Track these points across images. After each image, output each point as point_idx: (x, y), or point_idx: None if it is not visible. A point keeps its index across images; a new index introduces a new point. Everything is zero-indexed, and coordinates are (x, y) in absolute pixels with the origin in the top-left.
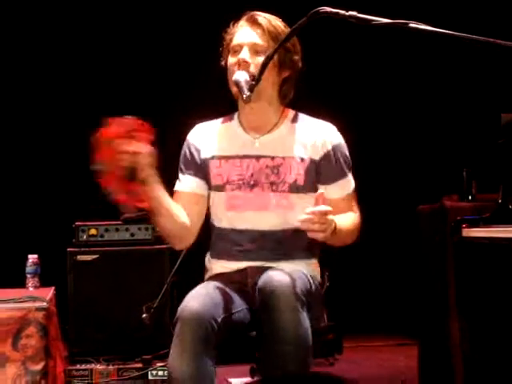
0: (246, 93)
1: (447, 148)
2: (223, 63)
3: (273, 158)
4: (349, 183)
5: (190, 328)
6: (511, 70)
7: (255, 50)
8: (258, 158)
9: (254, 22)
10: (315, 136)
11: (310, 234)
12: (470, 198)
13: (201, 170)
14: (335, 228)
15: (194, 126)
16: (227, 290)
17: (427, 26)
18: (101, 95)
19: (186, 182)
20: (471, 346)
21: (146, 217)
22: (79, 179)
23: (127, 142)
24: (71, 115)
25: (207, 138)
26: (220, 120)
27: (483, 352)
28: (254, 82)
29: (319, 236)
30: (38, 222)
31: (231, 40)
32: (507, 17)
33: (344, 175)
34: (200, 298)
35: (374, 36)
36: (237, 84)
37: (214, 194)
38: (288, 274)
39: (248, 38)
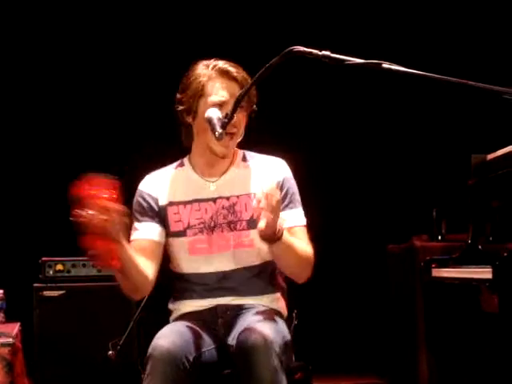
0: (219, 130)
1: (417, 188)
2: (185, 107)
3: (228, 198)
4: (298, 216)
5: (161, 367)
6: (482, 111)
7: (240, 106)
8: (214, 200)
9: (233, 79)
10: (266, 171)
11: (260, 216)
12: (439, 238)
13: (158, 217)
14: (281, 234)
15: (139, 176)
16: (197, 328)
17: (400, 66)
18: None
19: (145, 230)
20: None
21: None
22: (46, 214)
23: (99, 201)
24: (35, 154)
25: (161, 185)
26: (170, 167)
27: None
28: (226, 120)
29: (267, 218)
30: (4, 257)
31: (204, 90)
32: (480, 58)
33: (293, 207)
34: (171, 337)
35: (344, 74)
36: (209, 121)
37: (173, 241)
38: (267, 331)
39: (231, 95)
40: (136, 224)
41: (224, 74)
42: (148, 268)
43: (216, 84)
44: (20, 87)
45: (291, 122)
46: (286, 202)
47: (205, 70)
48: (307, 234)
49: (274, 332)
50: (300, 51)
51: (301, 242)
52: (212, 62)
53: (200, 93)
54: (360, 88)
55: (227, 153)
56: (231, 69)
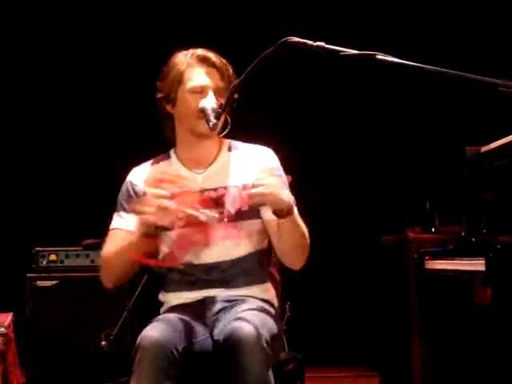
0: (213, 120)
1: (411, 180)
2: (164, 95)
3: (215, 189)
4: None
5: (149, 357)
6: (477, 103)
7: (220, 94)
8: (202, 192)
9: (211, 64)
10: (252, 161)
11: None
12: (433, 230)
13: None
14: (292, 209)
15: (123, 170)
16: (187, 319)
17: (394, 57)
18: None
19: (129, 221)
20: (432, 377)
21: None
22: (40, 205)
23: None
24: (29, 145)
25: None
26: (154, 160)
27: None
28: (220, 110)
29: (267, 195)
30: None
31: (183, 77)
32: (475, 50)
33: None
34: (160, 327)
35: (339, 66)
36: (203, 112)
37: (161, 233)
38: (255, 324)
39: (211, 82)
40: (121, 212)
41: (203, 60)
42: None
43: (195, 70)
44: (11, 82)
45: (285, 113)
46: None
47: (183, 58)
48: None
49: (261, 326)
50: (294, 42)
51: (303, 225)
52: (190, 51)
53: (179, 79)
54: (354, 80)
55: (209, 132)
56: (210, 55)
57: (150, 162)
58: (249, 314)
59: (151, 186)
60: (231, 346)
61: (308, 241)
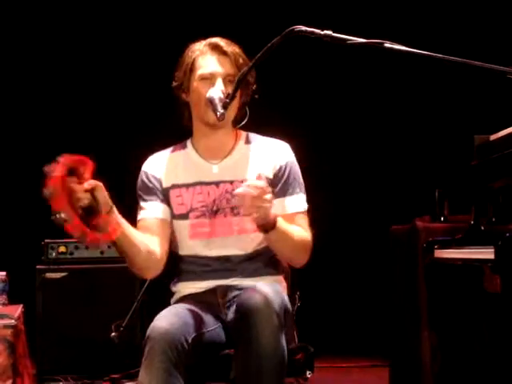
0: (220, 110)
1: (420, 169)
2: (178, 84)
3: (232, 182)
4: (300, 202)
5: (159, 348)
6: (485, 91)
7: (228, 80)
8: (217, 183)
9: (222, 52)
10: (269, 154)
11: (243, 212)
12: (442, 219)
13: (163, 197)
14: (275, 222)
15: (141, 156)
16: (197, 309)
17: (402, 46)
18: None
19: (151, 209)
20: (442, 367)
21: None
22: None
23: (77, 181)
24: (37, 136)
25: (164, 167)
26: (172, 148)
27: (454, 373)
28: (227, 100)
29: (253, 214)
30: (6, 239)
31: (194, 64)
32: (483, 37)
33: (294, 192)
34: (169, 318)
35: (346, 55)
36: (211, 101)
37: (176, 223)
38: (267, 291)
39: (221, 69)
40: (142, 203)
41: (215, 48)
42: (156, 245)
43: (206, 58)
44: (17, 75)
45: (293, 104)
46: (286, 188)
47: (197, 47)
48: (307, 219)
49: (274, 293)
50: (302, 31)
51: (298, 229)
52: (207, 40)
53: (191, 67)
54: (362, 69)
55: (217, 121)
56: (222, 43)
57: (168, 150)
58: (261, 285)
59: None
60: (243, 313)
61: (306, 245)
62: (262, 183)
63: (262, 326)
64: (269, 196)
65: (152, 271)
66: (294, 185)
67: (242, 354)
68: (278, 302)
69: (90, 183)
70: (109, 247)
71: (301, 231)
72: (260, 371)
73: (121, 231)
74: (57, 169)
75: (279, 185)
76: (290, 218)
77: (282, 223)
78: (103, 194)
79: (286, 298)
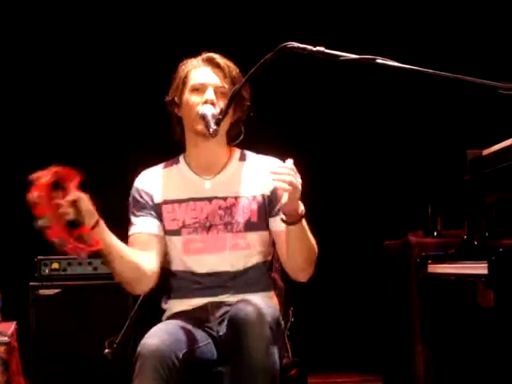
0: (213, 126)
1: (413, 184)
2: (171, 99)
3: (225, 198)
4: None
5: (150, 365)
6: (477, 106)
7: (220, 92)
8: (210, 199)
9: (216, 65)
10: (264, 172)
11: (279, 187)
12: (435, 233)
13: (155, 213)
14: (302, 215)
15: (135, 171)
16: (188, 326)
17: (395, 61)
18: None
19: (142, 224)
20: (435, 381)
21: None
22: None
23: (61, 192)
24: (31, 152)
25: (156, 183)
26: (164, 164)
27: None
28: (220, 117)
29: (287, 189)
30: None
31: (187, 77)
32: (474, 52)
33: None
34: (160, 335)
35: (339, 71)
36: (203, 117)
37: (168, 239)
38: (259, 303)
39: (212, 80)
40: (133, 219)
41: (208, 61)
42: (147, 260)
43: (198, 70)
44: (17, 82)
45: (285, 120)
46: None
47: (191, 60)
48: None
49: (266, 305)
50: (294, 47)
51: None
52: (201, 54)
53: (183, 80)
54: (354, 84)
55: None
56: (215, 56)
57: (160, 166)
58: (252, 297)
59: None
60: (235, 326)
61: (316, 255)
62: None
63: (253, 337)
64: (299, 182)
65: (142, 286)
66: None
67: (233, 366)
68: (270, 314)
69: (74, 195)
70: (102, 263)
71: (314, 243)
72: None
73: (105, 244)
74: (43, 175)
75: (277, 202)
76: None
77: (304, 222)
78: (88, 207)
79: (278, 311)
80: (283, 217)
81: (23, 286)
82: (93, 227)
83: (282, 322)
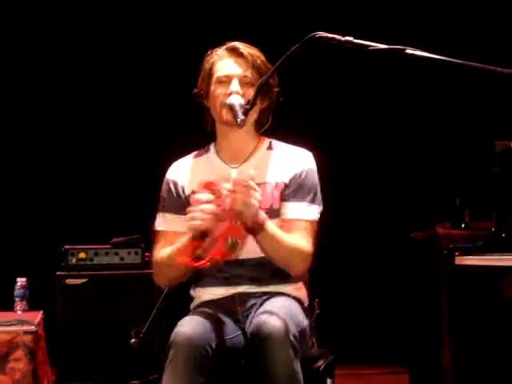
0: (241, 117)
1: (441, 176)
2: (198, 91)
3: None
4: (307, 210)
5: (183, 353)
6: (507, 98)
7: (245, 82)
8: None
9: (240, 55)
10: (290, 160)
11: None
12: (462, 226)
13: (185, 205)
14: (263, 224)
15: (170, 163)
16: (219, 316)
17: (424, 52)
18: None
19: (174, 222)
20: (463, 375)
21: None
22: (69, 202)
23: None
24: (57, 143)
25: (186, 173)
26: (195, 154)
27: (475, 381)
28: (248, 107)
29: (236, 205)
30: (27, 245)
31: (212, 69)
32: (504, 44)
33: (304, 199)
34: (193, 324)
35: (366, 61)
36: (231, 108)
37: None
38: (282, 317)
39: (236, 71)
40: (168, 215)
41: (232, 51)
42: None
43: (224, 61)
44: (44, 76)
45: (311, 111)
46: (296, 193)
47: (216, 51)
48: (312, 229)
49: (289, 319)
50: (322, 37)
51: (291, 236)
52: (226, 44)
53: (209, 72)
54: (382, 76)
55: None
56: (239, 46)
57: (191, 155)
58: (277, 307)
59: (199, 190)
60: (258, 339)
61: (302, 254)
62: (250, 181)
63: (276, 354)
64: (258, 195)
65: (178, 282)
66: (305, 193)
67: (258, 378)
68: (292, 328)
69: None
70: (128, 253)
71: (296, 238)
72: None
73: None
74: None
75: (290, 189)
76: (290, 223)
77: (271, 226)
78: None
79: (304, 315)
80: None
81: (50, 276)
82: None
83: (308, 323)
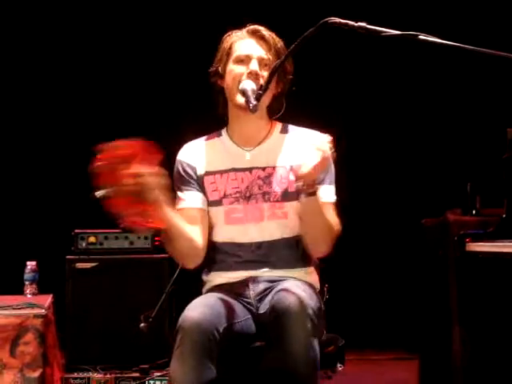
0: (253, 102)
1: (452, 162)
2: (215, 69)
3: (264, 168)
4: (328, 192)
5: (191, 338)
6: None
7: (264, 64)
8: (250, 169)
9: (260, 37)
10: (304, 143)
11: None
12: (473, 212)
13: (199, 186)
14: (315, 190)
15: (181, 144)
16: (228, 299)
17: (436, 38)
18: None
19: (190, 199)
20: (473, 361)
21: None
22: (79, 186)
23: (130, 165)
24: (70, 124)
25: (199, 155)
26: (207, 137)
27: (485, 366)
28: (261, 92)
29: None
30: (37, 229)
31: (232, 48)
32: None
33: (326, 182)
34: (201, 308)
35: (377, 47)
36: (244, 93)
37: (210, 209)
38: (301, 294)
39: (257, 51)
40: (180, 193)
41: (252, 32)
42: (198, 235)
43: (243, 42)
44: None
45: (324, 96)
46: (321, 177)
47: (236, 32)
48: (335, 211)
49: (308, 296)
50: (335, 22)
51: (330, 214)
52: (246, 26)
53: (228, 51)
54: (394, 62)
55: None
56: (260, 28)
57: (203, 138)
58: (294, 286)
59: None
60: (277, 315)
61: (334, 232)
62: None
63: (295, 329)
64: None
65: (196, 260)
66: (327, 175)
67: (275, 354)
68: (311, 302)
69: (137, 168)
70: (138, 238)
71: (332, 218)
72: (292, 375)
73: (166, 223)
74: (112, 150)
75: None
76: (322, 206)
77: (320, 199)
78: (151, 183)
79: (319, 298)
80: (299, 184)
81: (60, 259)
82: (154, 205)
83: (323, 306)
